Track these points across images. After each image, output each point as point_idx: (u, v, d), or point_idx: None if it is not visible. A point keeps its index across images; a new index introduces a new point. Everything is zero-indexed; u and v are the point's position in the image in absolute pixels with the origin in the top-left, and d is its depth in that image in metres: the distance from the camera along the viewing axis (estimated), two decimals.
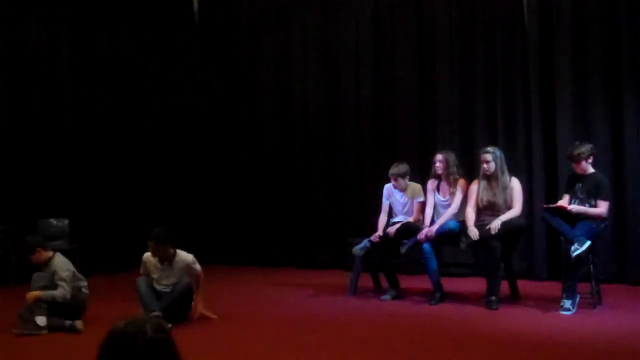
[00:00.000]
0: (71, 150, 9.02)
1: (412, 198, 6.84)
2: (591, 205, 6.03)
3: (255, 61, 9.97)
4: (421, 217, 6.85)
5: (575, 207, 6.00)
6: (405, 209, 6.89)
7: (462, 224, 6.48)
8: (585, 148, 6.10)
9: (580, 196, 6.09)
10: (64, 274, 5.63)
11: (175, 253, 6.06)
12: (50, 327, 5.49)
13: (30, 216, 8.39)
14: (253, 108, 10.00)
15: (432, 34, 8.55)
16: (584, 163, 6.07)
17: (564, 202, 6.16)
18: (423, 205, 6.82)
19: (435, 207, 6.71)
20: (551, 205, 6.16)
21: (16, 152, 8.58)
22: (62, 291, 5.56)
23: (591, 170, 6.12)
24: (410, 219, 6.79)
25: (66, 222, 8.64)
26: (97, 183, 9.21)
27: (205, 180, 10.18)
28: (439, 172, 6.63)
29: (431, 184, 6.75)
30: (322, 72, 9.42)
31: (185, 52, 10.25)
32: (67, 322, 5.55)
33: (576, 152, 6.09)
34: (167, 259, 6.01)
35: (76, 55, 9.19)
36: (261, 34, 9.90)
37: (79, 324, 5.57)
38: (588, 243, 5.69)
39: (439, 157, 6.65)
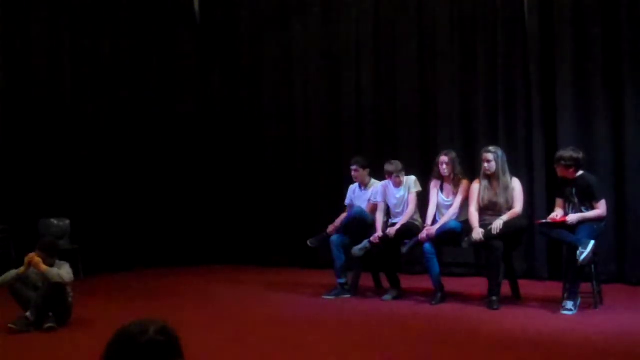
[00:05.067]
0: (72, 150, 9.04)
1: (409, 191, 6.84)
2: (587, 208, 6.01)
3: (256, 61, 9.99)
4: (417, 210, 6.84)
5: (574, 218, 5.93)
6: (402, 204, 6.88)
7: (464, 224, 6.48)
8: (569, 154, 6.00)
9: (574, 200, 6.06)
10: (69, 272, 5.68)
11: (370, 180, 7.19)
12: (39, 323, 5.51)
13: (31, 216, 8.42)
14: (254, 108, 10.02)
15: (433, 33, 8.56)
16: (562, 169, 6.03)
17: (558, 209, 6.12)
18: (418, 195, 6.83)
19: (438, 207, 6.71)
20: (548, 221, 6.06)
21: (17, 152, 8.60)
22: (66, 275, 5.57)
23: (578, 173, 6.05)
24: (407, 213, 6.78)
25: (67, 222, 8.67)
26: (98, 183, 9.23)
27: (205, 181, 10.19)
28: (446, 174, 6.62)
29: (434, 184, 6.74)
30: (323, 72, 9.44)
31: (186, 52, 10.26)
32: (48, 325, 5.55)
33: (558, 155, 6.09)
34: (364, 185, 7.18)
35: (77, 55, 9.20)
36: (262, 33, 9.92)
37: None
38: (592, 243, 5.67)
39: (444, 159, 6.60)
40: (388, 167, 6.85)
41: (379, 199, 6.99)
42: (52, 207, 8.63)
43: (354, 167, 7.16)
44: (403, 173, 6.86)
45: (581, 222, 5.92)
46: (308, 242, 7.36)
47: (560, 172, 6.11)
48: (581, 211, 6.00)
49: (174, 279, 8.68)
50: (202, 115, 10.26)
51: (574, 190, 6.04)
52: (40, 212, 8.51)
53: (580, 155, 6.06)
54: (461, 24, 8.38)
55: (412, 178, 6.89)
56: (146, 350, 1.74)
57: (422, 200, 6.90)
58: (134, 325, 1.79)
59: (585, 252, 5.62)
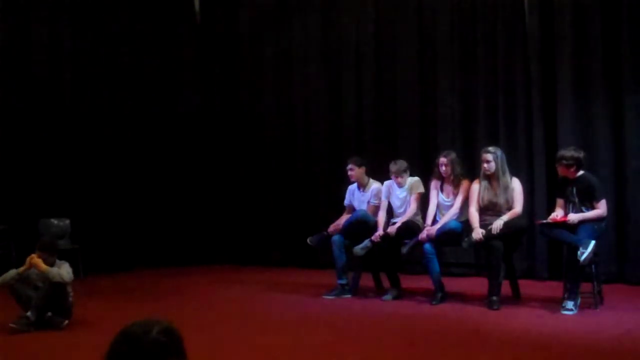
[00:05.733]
0: (72, 150, 9.05)
1: (411, 192, 6.85)
2: (587, 208, 6.01)
3: (256, 61, 10.00)
4: (419, 212, 6.85)
5: (574, 217, 5.92)
6: (404, 205, 6.89)
7: (464, 224, 6.48)
8: (570, 154, 6.00)
9: (574, 200, 6.05)
10: (69, 271, 5.67)
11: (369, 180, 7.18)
12: (39, 323, 5.51)
13: (32, 216, 8.42)
14: (254, 108, 10.03)
15: (433, 33, 8.56)
16: (563, 168, 6.03)
17: (559, 209, 6.13)
18: (421, 196, 6.83)
19: (439, 207, 6.71)
20: (549, 221, 6.06)
21: (18, 152, 8.61)
22: (66, 274, 5.57)
23: (579, 173, 6.06)
24: (409, 212, 6.78)
25: (67, 222, 8.67)
26: (98, 183, 9.23)
27: (205, 181, 10.19)
28: (445, 175, 6.63)
29: (435, 184, 6.74)
30: (323, 72, 9.44)
31: (186, 52, 10.26)
32: (65, 322, 5.57)
33: (559, 154, 6.09)
34: (362, 185, 7.16)
35: (77, 55, 9.22)
36: (262, 33, 9.93)
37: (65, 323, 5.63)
38: (593, 243, 5.67)
39: (443, 160, 6.60)
40: (391, 166, 6.87)
41: (383, 197, 7.00)
42: (53, 207, 8.63)
43: (349, 166, 7.16)
44: (406, 174, 6.86)
45: (582, 222, 5.92)
46: (308, 240, 7.36)
47: (561, 171, 6.11)
48: (581, 211, 5.99)
49: (174, 279, 8.68)
50: (202, 114, 10.26)
51: (574, 190, 6.03)
52: (41, 212, 8.51)
53: (582, 154, 6.06)
54: (461, 24, 8.37)
55: (415, 179, 6.89)
56: (149, 350, 1.74)
57: (423, 200, 6.90)
58: (137, 325, 1.79)
59: (586, 252, 5.62)
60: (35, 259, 5.55)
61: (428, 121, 8.60)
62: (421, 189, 6.85)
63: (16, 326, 5.42)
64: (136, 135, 9.73)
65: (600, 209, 5.98)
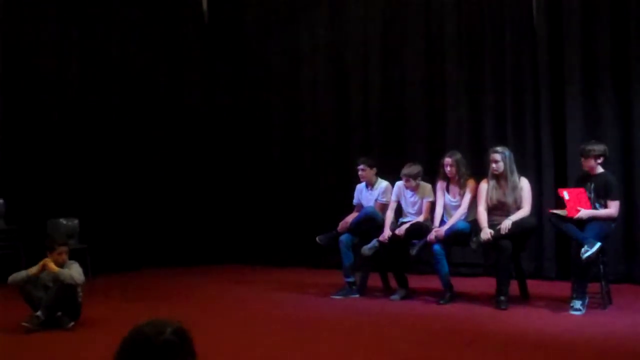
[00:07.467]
0: (81, 150, 9.07)
1: (422, 198, 6.84)
2: (601, 205, 6.00)
3: (263, 60, 10.01)
4: (429, 217, 6.84)
5: (585, 213, 5.92)
6: (415, 208, 6.89)
7: (472, 224, 6.47)
8: (598, 147, 6.05)
9: (590, 196, 6.05)
10: (79, 272, 5.69)
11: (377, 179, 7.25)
12: (49, 322, 5.54)
13: (40, 216, 8.44)
14: (261, 108, 10.03)
15: (441, 33, 8.54)
16: (592, 161, 6.02)
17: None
18: (432, 205, 6.81)
19: (445, 208, 6.70)
20: (560, 213, 6.06)
21: (26, 152, 8.62)
22: (77, 275, 5.60)
23: (600, 170, 6.08)
24: (420, 219, 6.78)
25: (76, 221, 8.67)
26: (107, 183, 9.26)
27: (213, 180, 10.20)
28: (450, 175, 6.62)
29: (440, 184, 6.73)
30: (331, 72, 9.44)
31: (194, 51, 10.27)
32: (72, 324, 5.60)
33: (588, 147, 6.08)
34: (370, 184, 7.23)
35: (85, 55, 9.24)
36: (269, 32, 9.94)
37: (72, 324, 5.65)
38: (598, 244, 5.66)
39: (448, 160, 6.58)
40: (404, 168, 6.84)
41: (393, 197, 6.99)
42: (61, 207, 8.65)
43: (361, 167, 7.17)
44: (418, 179, 6.83)
45: (591, 219, 5.90)
46: (317, 239, 7.36)
47: (587, 163, 6.06)
48: (595, 208, 5.99)
49: (181, 278, 8.69)
50: (209, 114, 10.27)
51: (592, 186, 6.03)
52: (49, 212, 8.54)
53: (607, 149, 6.11)
54: (469, 24, 8.35)
55: (428, 186, 6.87)
56: (162, 351, 1.74)
57: None
58: (149, 326, 1.79)
59: (590, 251, 5.61)
60: (49, 264, 5.57)
61: (435, 120, 8.58)
62: (432, 198, 6.82)
63: (28, 325, 5.45)
64: (143, 134, 9.75)
65: (612, 208, 5.96)
